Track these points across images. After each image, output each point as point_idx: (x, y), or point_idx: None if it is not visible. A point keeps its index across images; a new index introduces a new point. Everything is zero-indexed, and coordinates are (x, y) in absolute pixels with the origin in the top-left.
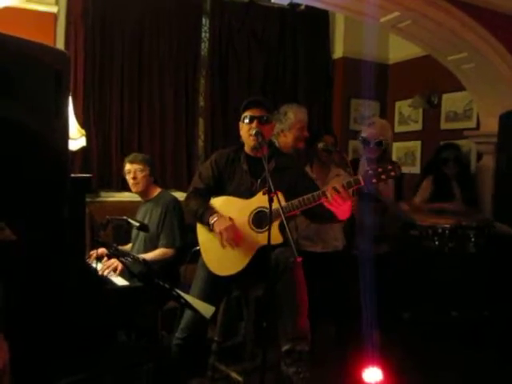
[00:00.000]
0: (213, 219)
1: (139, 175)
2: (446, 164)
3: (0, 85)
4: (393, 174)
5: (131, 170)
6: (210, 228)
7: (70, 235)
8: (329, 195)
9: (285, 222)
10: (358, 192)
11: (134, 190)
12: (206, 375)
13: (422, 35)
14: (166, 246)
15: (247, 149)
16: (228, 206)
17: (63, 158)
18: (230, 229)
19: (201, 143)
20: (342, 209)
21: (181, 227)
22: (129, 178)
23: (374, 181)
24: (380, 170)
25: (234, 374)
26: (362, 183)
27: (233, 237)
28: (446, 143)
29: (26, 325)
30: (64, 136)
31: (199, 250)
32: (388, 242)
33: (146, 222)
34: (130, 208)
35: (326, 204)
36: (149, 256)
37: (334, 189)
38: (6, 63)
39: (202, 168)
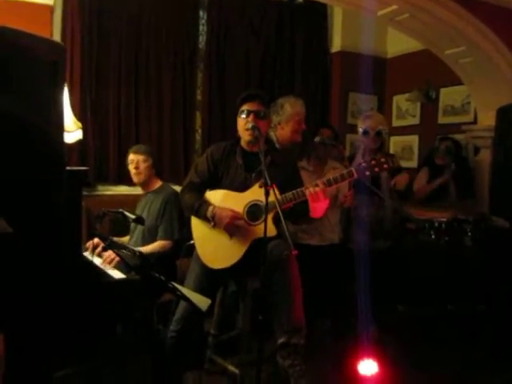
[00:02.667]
0: (211, 213)
1: (141, 166)
2: (436, 155)
3: None
4: (386, 166)
5: (134, 160)
6: (210, 221)
7: (66, 228)
8: (321, 186)
9: (281, 215)
10: (355, 185)
11: (135, 180)
12: (203, 368)
13: (420, 29)
14: (165, 239)
15: (243, 143)
16: (222, 200)
17: (59, 150)
18: (232, 220)
19: (198, 137)
20: (320, 205)
21: (180, 220)
22: (131, 167)
23: (367, 173)
24: (373, 162)
25: (230, 367)
26: (355, 176)
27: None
28: (443, 136)
29: (23, 317)
30: (60, 128)
31: (194, 244)
32: (386, 237)
33: (145, 213)
34: (127, 201)
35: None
36: (147, 249)
37: (327, 181)
38: (1, 54)
39: (198, 161)
